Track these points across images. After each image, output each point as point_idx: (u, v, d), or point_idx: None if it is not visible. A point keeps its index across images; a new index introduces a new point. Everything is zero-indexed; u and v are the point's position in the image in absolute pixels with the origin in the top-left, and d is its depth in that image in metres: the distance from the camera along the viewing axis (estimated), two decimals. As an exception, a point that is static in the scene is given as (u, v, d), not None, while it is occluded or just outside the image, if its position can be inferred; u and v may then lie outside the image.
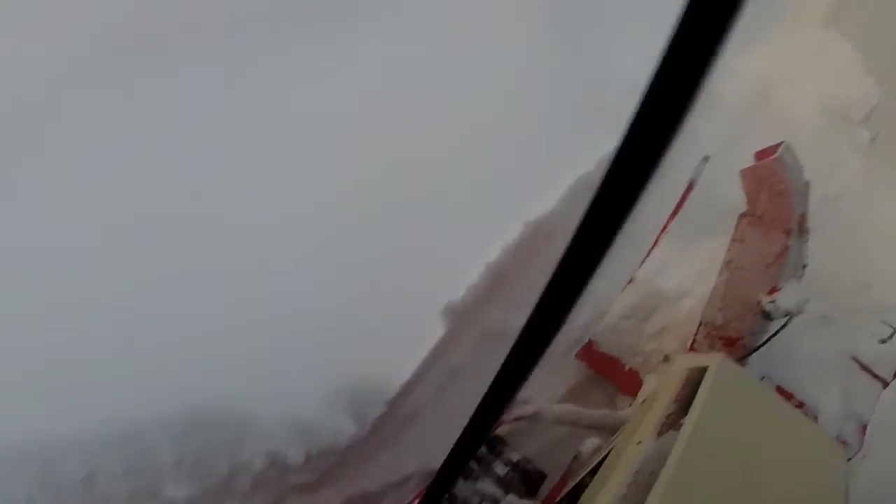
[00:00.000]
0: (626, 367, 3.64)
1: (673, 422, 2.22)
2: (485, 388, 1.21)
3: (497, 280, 3.14)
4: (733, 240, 2.91)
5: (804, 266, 3.05)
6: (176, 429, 2.45)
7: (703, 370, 2.45)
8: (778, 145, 2.92)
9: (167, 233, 2.70)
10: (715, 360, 2.55)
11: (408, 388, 3.03)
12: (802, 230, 3.00)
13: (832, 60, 5.36)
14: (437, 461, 1.51)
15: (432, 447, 2.37)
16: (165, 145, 2.96)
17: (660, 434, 2.20)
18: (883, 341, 4.30)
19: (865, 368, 3.79)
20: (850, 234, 4.40)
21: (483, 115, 3.44)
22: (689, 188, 3.70)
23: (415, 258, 2.98)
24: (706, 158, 3.54)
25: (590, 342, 3.72)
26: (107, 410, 2.35)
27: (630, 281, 3.59)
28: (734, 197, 3.16)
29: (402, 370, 3.00)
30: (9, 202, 2.62)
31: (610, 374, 3.70)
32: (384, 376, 2.97)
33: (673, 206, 3.83)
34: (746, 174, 2.86)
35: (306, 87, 3.28)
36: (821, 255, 3.14)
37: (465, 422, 1.32)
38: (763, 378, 3.45)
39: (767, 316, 2.92)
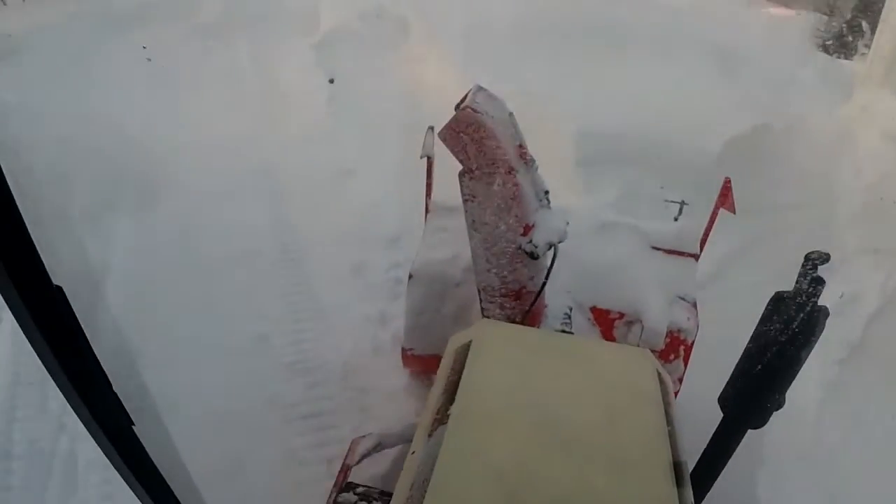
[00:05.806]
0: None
1: (442, 417, 2.06)
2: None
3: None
4: (465, 200, 2.76)
5: (546, 192, 2.98)
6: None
7: (468, 346, 2.30)
8: (467, 93, 2.82)
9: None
10: (477, 330, 2.41)
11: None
12: (526, 161, 2.92)
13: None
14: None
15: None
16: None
17: (430, 435, 2.02)
18: (676, 219, 4.39)
19: (671, 252, 3.81)
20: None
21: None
22: (430, 162, 3.61)
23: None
24: (431, 128, 3.45)
25: (403, 351, 3.57)
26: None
27: (410, 277, 3.46)
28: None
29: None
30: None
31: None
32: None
33: (425, 186, 3.75)
34: (445, 134, 2.66)
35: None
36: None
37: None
38: (572, 308, 3.41)
39: (533, 255, 2.83)
